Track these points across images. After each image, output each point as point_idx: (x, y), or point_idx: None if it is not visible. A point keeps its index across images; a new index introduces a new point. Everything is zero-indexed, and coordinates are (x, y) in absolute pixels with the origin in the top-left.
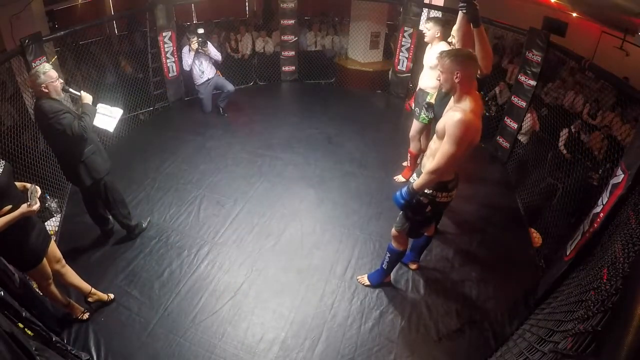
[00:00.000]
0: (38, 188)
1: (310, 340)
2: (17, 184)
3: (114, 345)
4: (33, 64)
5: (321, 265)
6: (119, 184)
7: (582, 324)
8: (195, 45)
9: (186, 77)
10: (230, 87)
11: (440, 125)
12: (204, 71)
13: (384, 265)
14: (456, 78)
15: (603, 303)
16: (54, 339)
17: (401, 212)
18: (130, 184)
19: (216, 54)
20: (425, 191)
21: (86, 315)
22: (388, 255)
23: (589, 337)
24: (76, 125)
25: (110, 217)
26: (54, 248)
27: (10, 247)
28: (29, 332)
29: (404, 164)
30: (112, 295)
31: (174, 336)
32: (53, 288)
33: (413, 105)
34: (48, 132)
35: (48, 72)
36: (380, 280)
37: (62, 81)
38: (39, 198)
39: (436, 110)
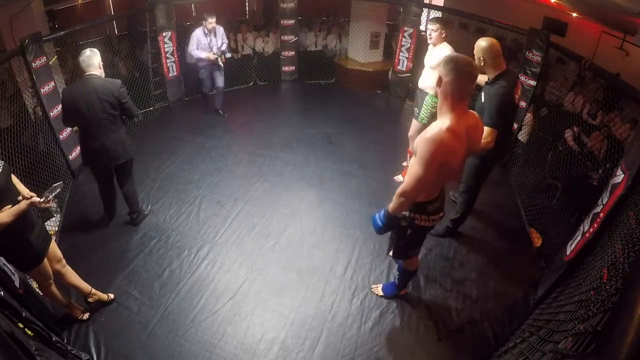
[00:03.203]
0: (59, 186)
1: (310, 340)
2: (19, 187)
3: (114, 345)
4: (33, 64)
5: (321, 265)
6: None
7: (582, 324)
8: (212, 57)
9: (186, 77)
10: (220, 82)
11: (416, 141)
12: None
13: (396, 281)
14: (446, 86)
15: (603, 303)
16: (54, 339)
17: (389, 233)
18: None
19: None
20: (404, 213)
21: (86, 315)
22: (397, 272)
23: (589, 337)
24: (131, 102)
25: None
26: (54, 248)
27: (10, 247)
28: (29, 332)
29: (404, 164)
30: (112, 295)
31: (174, 336)
32: (53, 288)
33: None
34: (119, 100)
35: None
36: (394, 293)
37: None
38: (51, 198)
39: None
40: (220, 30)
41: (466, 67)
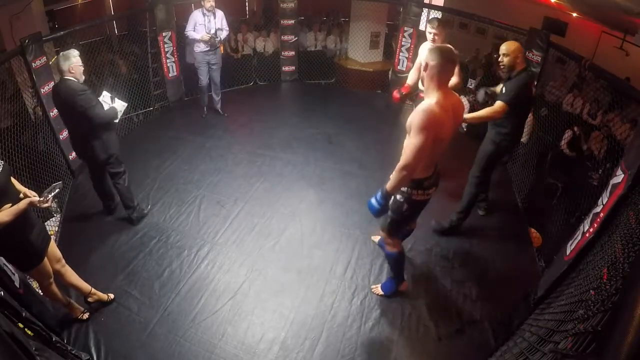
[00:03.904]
0: (59, 186)
1: (310, 340)
2: (19, 187)
3: (114, 345)
4: (33, 64)
5: (321, 265)
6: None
7: (582, 324)
8: (206, 37)
9: (186, 77)
10: (217, 78)
11: (408, 121)
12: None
13: (390, 275)
14: (432, 69)
15: (603, 303)
16: (54, 339)
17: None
18: (130, 183)
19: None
20: (401, 189)
21: (86, 315)
22: (387, 262)
23: (589, 337)
24: (95, 110)
25: (115, 193)
26: (54, 248)
27: (10, 247)
28: (29, 332)
29: None
30: (112, 295)
31: (174, 336)
32: (53, 288)
33: (401, 93)
34: (74, 108)
35: (78, 57)
36: (393, 289)
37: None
38: (50, 197)
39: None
40: (220, 13)
41: (449, 55)
